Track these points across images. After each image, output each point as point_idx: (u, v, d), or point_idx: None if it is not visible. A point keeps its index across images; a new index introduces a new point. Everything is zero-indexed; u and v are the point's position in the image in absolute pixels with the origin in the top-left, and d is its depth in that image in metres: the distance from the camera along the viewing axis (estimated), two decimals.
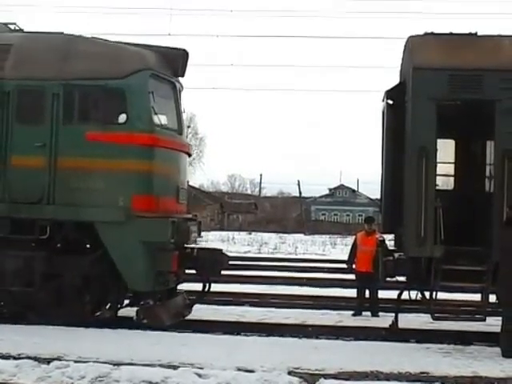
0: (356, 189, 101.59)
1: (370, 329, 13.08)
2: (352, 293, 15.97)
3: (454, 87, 11.71)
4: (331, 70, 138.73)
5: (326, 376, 9.17)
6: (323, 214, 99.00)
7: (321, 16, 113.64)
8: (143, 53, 12.73)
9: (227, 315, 14.21)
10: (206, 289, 13.51)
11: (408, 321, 13.37)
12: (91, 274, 12.29)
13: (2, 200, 12.38)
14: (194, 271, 13.40)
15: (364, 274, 15.22)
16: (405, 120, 12.23)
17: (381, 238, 14.64)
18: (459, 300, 12.31)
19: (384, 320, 13.57)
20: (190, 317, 13.44)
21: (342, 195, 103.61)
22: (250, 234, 57.94)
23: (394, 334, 12.35)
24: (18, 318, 12.27)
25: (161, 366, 9.39)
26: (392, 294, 13.59)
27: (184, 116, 14.03)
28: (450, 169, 14.02)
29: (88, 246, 12.66)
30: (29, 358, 9.59)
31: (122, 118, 12.36)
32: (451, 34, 12.28)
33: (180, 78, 13.61)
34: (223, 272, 14.11)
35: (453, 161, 14.02)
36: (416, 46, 12.30)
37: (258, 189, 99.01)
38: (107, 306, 12.70)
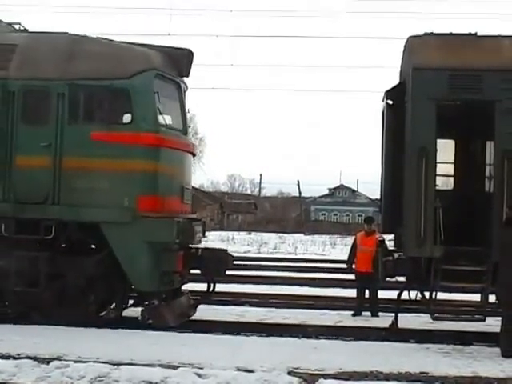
0: (356, 189, 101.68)
1: (370, 329, 13.08)
2: (352, 293, 15.97)
3: (454, 87, 11.71)
4: (331, 70, 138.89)
5: (326, 376, 9.17)
6: (323, 214, 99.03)
7: (321, 16, 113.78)
8: (148, 53, 12.73)
9: (227, 315, 14.21)
10: (211, 289, 13.52)
11: (408, 321, 13.37)
12: (96, 275, 12.29)
13: (7, 200, 12.39)
14: (198, 271, 13.41)
15: (364, 274, 15.21)
16: (404, 120, 12.22)
17: (380, 238, 14.64)
18: (459, 300, 12.31)
19: (384, 320, 13.57)
20: None
21: (341, 195, 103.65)
22: (249, 234, 57.93)
23: (394, 334, 12.35)
24: (22, 318, 12.27)
25: (160, 365, 9.39)
26: (392, 294, 13.59)
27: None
28: (450, 169, 14.02)
29: (93, 246, 12.68)
30: (28, 357, 9.59)
31: (127, 118, 12.39)
32: (451, 34, 12.28)
33: (185, 78, 13.63)
34: None
35: (452, 161, 14.02)
36: (416, 46, 12.30)
37: (257, 189, 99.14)
38: (112, 307, 12.71)
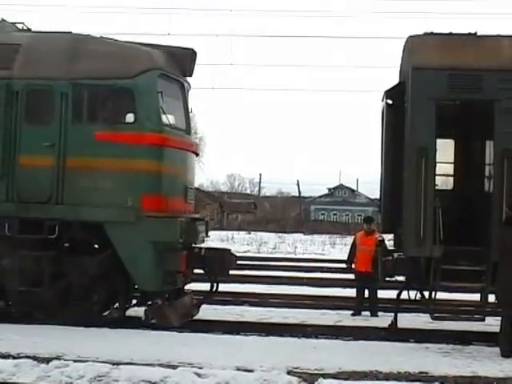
0: (355, 189, 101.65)
1: (370, 329, 13.08)
2: (351, 293, 15.97)
3: (454, 87, 11.72)
4: (331, 70, 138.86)
5: (325, 376, 9.18)
6: (322, 214, 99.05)
7: (321, 16, 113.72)
8: (152, 52, 12.73)
9: (227, 315, 14.22)
10: (214, 289, 13.51)
11: (407, 321, 13.38)
12: (99, 274, 12.29)
13: (11, 200, 12.39)
14: (201, 271, 13.40)
15: (363, 273, 15.21)
16: (404, 120, 12.23)
17: (380, 238, 14.65)
18: (458, 300, 12.32)
19: (383, 320, 13.58)
20: None
21: (341, 195, 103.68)
22: (249, 233, 57.88)
23: (394, 333, 12.36)
24: (23, 317, 12.27)
25: (160, 365, 9.39)
26: (391, 294, 13.60)
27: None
28: (450, 169, 14.02)
29: (96, 245, 12.69)
30: (28, 357, 9.60)
31: (131, 117, 12.39)
32: (451, 34, 12.28)
33: (188, 78, 13.62)
34: None
35: (452, 161, 14.02)
36: (415, 45, 12.30)
37: (257, 188, 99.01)
38: (115, 306, 12.71)
